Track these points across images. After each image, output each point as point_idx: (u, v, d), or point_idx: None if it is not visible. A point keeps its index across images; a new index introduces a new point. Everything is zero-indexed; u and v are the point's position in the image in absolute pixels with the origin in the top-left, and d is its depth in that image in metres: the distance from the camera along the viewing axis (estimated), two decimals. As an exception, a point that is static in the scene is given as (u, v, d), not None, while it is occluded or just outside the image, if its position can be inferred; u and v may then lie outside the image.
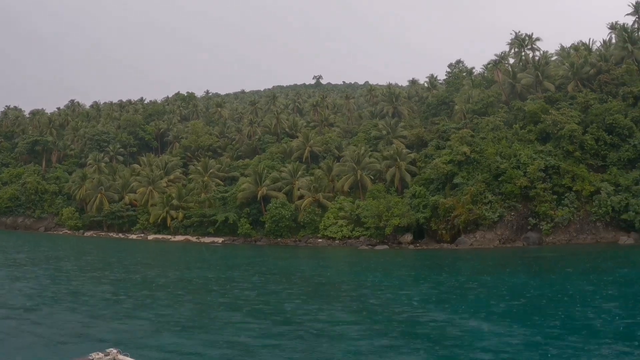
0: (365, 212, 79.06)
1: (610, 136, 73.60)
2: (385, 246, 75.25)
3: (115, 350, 5.80)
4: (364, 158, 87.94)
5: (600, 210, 67.51)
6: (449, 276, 50.95)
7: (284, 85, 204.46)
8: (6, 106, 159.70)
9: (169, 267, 59.42)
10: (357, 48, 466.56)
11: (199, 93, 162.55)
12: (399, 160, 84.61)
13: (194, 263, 63.06)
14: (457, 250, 69.58)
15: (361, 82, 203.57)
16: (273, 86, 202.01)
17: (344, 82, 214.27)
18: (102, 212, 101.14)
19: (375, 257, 67.65)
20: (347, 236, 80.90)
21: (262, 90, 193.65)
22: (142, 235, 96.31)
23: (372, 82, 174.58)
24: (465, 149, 76.11)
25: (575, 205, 69.73)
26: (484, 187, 72.65)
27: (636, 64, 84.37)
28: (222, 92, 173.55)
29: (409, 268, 60.66)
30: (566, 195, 70.22)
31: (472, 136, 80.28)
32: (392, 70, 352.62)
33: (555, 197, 70.60)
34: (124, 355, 5.78)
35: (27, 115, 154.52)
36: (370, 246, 76.27)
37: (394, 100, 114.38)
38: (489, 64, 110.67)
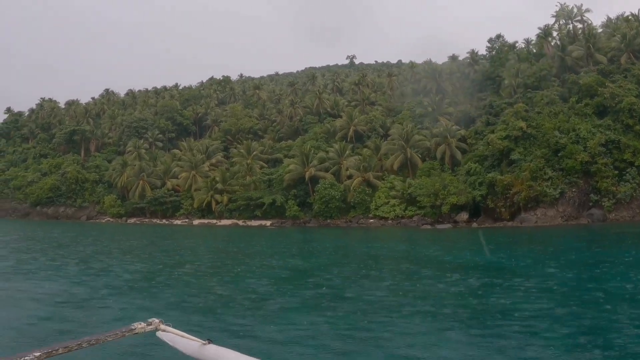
0: (419, 190, 76.45)
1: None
2: (448, 225, 72.42)
3: (157, 320, 5.10)
4: (412, 136, 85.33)
5: (666, 184, 64.70)
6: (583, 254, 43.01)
7: (317, 66, 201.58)
8: (41, 98, 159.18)
9: (272, 254, 49.69)
10: (388, 27, 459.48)
11: (233, 76, 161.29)
12: (448, 137, 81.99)
13: (280, 248, 55.23)
14: (523, 227, 66.16)
15: (394, 61, 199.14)
16: (305, 67, 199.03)
17: (376, 61, 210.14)
18: (144, 199, 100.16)
19: (452, 236, 63.31)
20: (400, 216, 78.36)
21: (295, 72, 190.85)
22: (187, 220, 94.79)
23: (404, 60, 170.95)
24: (522, 124, 73.38)
25: (637, 181, 67.36)
26: (543, 162, 70.10)
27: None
28: (256, 75, 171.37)
29: (516, 246, 52.70)
30: (627, 170, 68.06)
31: (526, 111, 77.29)
32: (423, 48, 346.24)
33: (616, 172, 67.77)
34: (167, 325, 5.05)
35: (63, 107, 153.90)
36: (430, 225, 73.52)
37: (436, 76, 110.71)
38: (531, 39, 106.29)
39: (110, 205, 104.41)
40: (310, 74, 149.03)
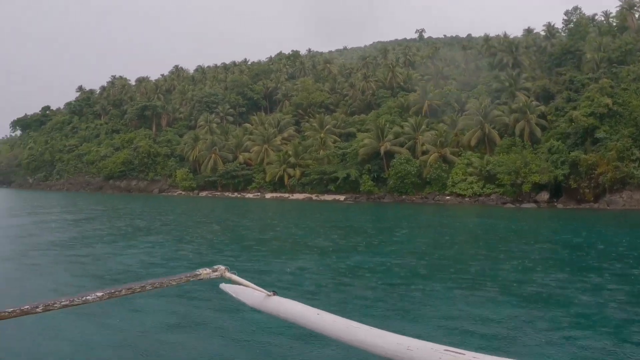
0: (498, 168, 73.00)
1: None
2: (532, 204, 68.88)
3: (223, 267, 4.61)
4: (490, 111, 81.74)
5: None
6: None
7: (385, 40, 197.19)
8: (112, 76, 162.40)
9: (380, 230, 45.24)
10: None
11: (301, 52, 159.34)
12: (528, 113, 77.77)
13: (385, 223, 50.57)
14: (609, 210, 61.45)
15: (463, 35, 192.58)
16: (373, 42, 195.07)
17: (444, 35, 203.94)
18: (216, 172, 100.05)
19: (549, 216, 57.68)
20: (477, 193, 75.48)
21: (363, 47, 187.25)
22: (259, 194, 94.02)
23: (474, 35, 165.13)
24: (607, 100, 69.00)
25: None
26: (630, 142, 65.53)
27: None
28: (324, 50, 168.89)
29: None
30: None
31: (611, 87, 72.55)
32: (496, 21, 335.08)
33: None
34: (232, 273, 4.68)
35: (133, 84, 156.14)
36: (512, 204, 70.00)
37: (513, 50, 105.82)
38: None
39: (182, 179, 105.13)
40: (382, 48, 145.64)
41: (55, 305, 4.49)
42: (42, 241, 29.96)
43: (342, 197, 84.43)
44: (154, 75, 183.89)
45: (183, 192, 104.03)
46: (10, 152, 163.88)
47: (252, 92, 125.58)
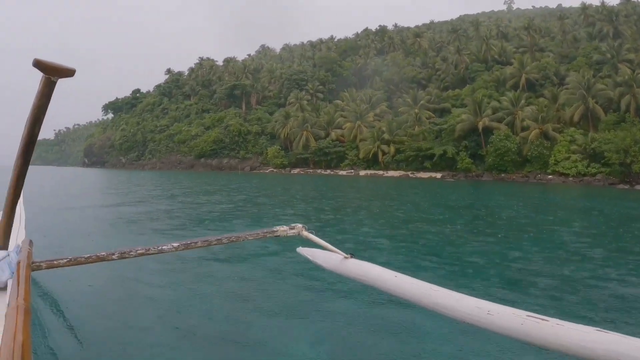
0: (605, 145, 67.67)
1: None
2: None
3: (300, 226, 6.00)
4: (593, 84, 76.82)
5: None
6: None
7: (471, 13, 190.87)
8: (200, 57, 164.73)
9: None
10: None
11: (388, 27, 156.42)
12: (634, 86, 72.63)
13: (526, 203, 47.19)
14: None
15: (553, 6, 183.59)
16: (460, 15, 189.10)
17: (533, 6, 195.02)
18: (308, 149, 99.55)
19: None
20: (581, 173, 70.76)
21: (449, 20, 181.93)
22: (352, 171, 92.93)
23: (564, 5, 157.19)
24: None
25: None
26: None
27: None
28: (410, 25, 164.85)
29: None
30: None
31: None
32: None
33: None
34: (309, 232, 5.98)
35: (221, 64, 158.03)
36: (625, 185, 64.20)
37: (613, 19, 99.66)
38: None
39: (273, 156, 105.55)
40: (474, 20, 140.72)
41: (131, 253, 5.01)
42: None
43: (438, 175, 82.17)
44: (240, 56, 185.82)
45: (275, 170, 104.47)
46: (103, 134, 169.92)
47: (340, 68, 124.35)
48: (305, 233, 6.12)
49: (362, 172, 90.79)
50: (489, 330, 3.84)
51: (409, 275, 4.91)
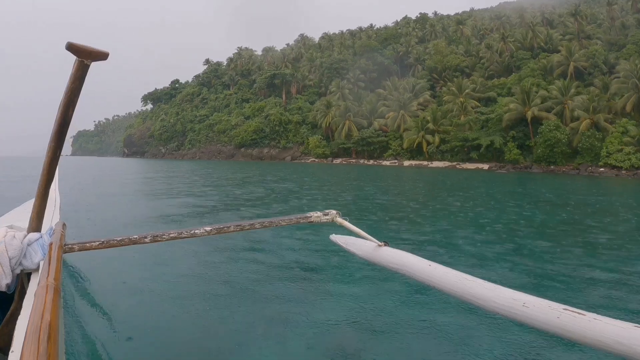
0: None
1: None
2: None
3: (334, 212, 5.63)
4: None
5: None
6: None
7: (511, 0, 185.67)
8: (238, 47, 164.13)
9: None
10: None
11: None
12: None
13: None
14: None
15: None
16: (499, 3, 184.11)
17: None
18: (351, 139, 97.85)
19: None
20: (635, 166, 67.93)
21: (489, 7, 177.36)
22: (395, 161, 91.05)
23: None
24: None
25: None
26: None
27: None
28: (450, 12, 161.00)
29: None
30: None
31: None
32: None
33: None
34: (343, 219, 5.67)
35: (260, 54, 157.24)
36: None
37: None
38: None
39: (315, 146, 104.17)
40: (518, 6, 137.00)
41: (163, 236, 4.98)
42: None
43: (485, 166, 79.80)
44: (279, 45, 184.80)
45: (316, 160, 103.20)
46: (143, 124, 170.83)
47: (382, 57, 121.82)
48: (339, 219, 5.93)
49: (406, 163, 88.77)
50: (524, 323, 3.64)
51: (443, 264, 4.78)
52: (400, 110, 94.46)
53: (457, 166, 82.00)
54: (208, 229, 5.09)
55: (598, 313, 3.18)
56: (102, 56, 3.18)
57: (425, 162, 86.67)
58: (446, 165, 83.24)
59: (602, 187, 47.69)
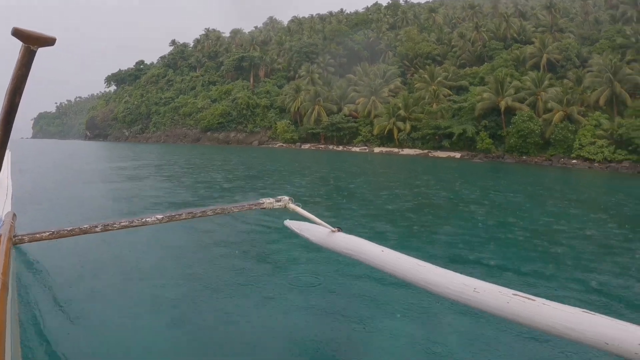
0: (633, 132, 64.93)
1: None
2: None
3: (287, 198, 6.16)
4: (620, 68, 73.31)
5: None
6: None
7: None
8: (206, 28, 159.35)
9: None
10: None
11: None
12: None
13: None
14: None
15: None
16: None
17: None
18: (320, 124, 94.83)
19: None
20: (608, 159, 67.65)
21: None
22: (365, 147, 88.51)
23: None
24: None
25: None
26: None
27: None
28: (420, 1, 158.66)
29: None
30: None
31: None
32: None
33: None
34: (296, 204, 6.19)
35: (227, 35, 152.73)
36: None
37: (637, 2, 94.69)
38: None
39: (283, 131, 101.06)
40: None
41: (114, 225, 5.11)
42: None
43: (457, 155, 78.15)
44: (247, 28, 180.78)
45: (284, 145, 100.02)
46: (106, 106, 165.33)
47: (352, 42, 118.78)
48: (291, 206, 6.09)
49: (377, 149, 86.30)
50: (476, 308, 3.67)
51: (396, 250, 4.77)
52: (371, 96, 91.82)
53: (429, 154, 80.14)
54: (160, 217, 5.19)
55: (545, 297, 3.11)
56: (49, 42, 3.03)
57: (395, 149, 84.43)
58: (417, 152, 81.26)
59: (578, 178, 46.88)
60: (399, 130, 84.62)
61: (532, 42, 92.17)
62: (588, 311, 3.27)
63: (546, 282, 10.15)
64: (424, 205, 20.85)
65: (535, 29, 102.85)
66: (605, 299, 9.14)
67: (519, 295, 3.41)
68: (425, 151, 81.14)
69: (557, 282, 10.14)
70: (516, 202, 23.23)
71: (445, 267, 4.46)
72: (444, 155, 78.29)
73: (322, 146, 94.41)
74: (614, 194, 32.74)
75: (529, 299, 3.36)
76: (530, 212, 19.84)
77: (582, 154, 70.32)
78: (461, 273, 4.23)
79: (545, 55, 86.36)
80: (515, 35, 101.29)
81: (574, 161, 70.65)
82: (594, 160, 68.98)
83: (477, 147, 77.74)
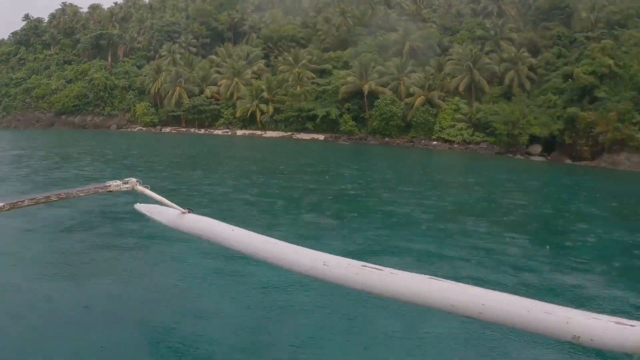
0: (491, 116, 70.56)
1: None
2: (542, 158, 67.60)
3: (134, 180, 5.89)
4: (480, 58, 78.45)
5: None
6: None
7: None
8: (62, 3, 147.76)
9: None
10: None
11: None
12: (519, 63, 76.01)
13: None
14: (609, 169, 60.23)
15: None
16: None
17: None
18: (181, 107, 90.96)
19: (569, 172, 56.11)
20: (467, 141, 72.66)
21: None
22: (228, 130, 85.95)
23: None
24: (610, 61, 67.19)
25: None
26: (631, 105, 63.42)
27: None
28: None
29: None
30: None
31: (611, 49, 70.46)
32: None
33: None
34: (144, 186, 5.92)
35: (86, 11, 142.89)
36: (513, 155, 68.52)
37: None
38: None
39: (142, 114, 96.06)
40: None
41: None
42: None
43: (321, 137, 78.64)
44: (106, 3, 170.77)
45: (144, 128, 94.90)
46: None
47: (216, 22, 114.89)
48: (140, 188, 5.85)
49: (239, 132, 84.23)
50: (327, 281, 3.68)
51: (246, 229, 4.75)
52: (234, 78, 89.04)
53: (293, 136, 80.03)
54: (1, 204, 4.72)
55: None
56: None
57: (258, 132, 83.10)
58: (280, 135, 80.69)
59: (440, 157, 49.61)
60: (262, 112, 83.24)
61: (396, 30, 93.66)
62: (434, 277, 3.30)
63: (365, 243, 11.96)
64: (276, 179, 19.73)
65: (399, 18, 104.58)
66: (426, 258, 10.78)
67: (367, 267, 3.42)
68: (289, 133, 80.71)
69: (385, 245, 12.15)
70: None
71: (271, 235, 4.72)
72: (308, 138, 78.52)
73: (184, 129, 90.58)
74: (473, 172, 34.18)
75: (377, 269, 3.35)
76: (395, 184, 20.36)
77: (442, 136, 74.40)
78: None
79: (408, 42, 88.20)
80: (379, 22, 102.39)
81: (435, 143, 74.56)
82: (454, 142, 73.19)
83: (341, 129, 78.71)
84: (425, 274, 3.59)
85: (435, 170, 41.42)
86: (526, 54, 78.65)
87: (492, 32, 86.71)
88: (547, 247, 16.91)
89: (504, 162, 61.12)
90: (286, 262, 4.20)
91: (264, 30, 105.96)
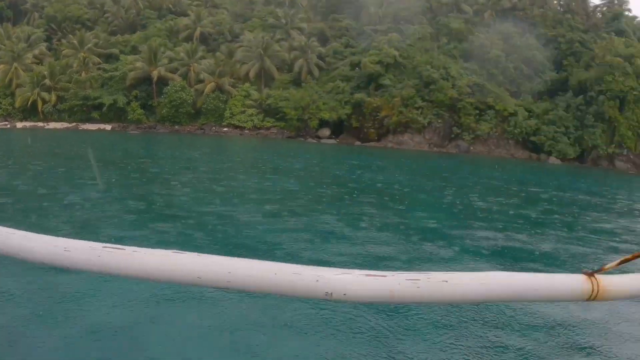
0: (282, 102, 74.70)
1: (527, 68, 79.41)
2: (332, 140, 74.87)
3: None
4: (270, 45, 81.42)
5: (516, 130, 73.99)
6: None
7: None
8: None
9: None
10: None
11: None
12: (309, 52, 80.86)
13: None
14: (394, 149, 70.52)
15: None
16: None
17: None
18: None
19: (359, 152, 63.24)
20: (257, 126, 75.73)
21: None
22: (7, 123, 77.80)
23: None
24: (395, 52, 75.65)
25: (494, 122, 74.72)
26: (414, 92, 73.43)
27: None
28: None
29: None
30: (487, 112, 74.77)
31: (397, 41, 79.35)
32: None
33: (477, 112, 74.79)
34: None
35: None
36: (304, 139, 74.23)
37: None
38: None
39: None
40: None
41: None
42: None
43: (108, 127, 75.91)
44: None
45: None
46: None
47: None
48: None
49: (19, 124, 76.22)
50: (70, 268, 2.54)
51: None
52: (13, 62, 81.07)
53: (79, 127, 75.91)
54: None
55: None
56: None
57: (40, 124, 76.76)
58: (65, 126, 75.94)
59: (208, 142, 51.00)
60: (44, 101, 77.28)
61: (188, 15, 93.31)
62: (178, 251, 2.50)
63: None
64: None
65: (191, 2, 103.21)
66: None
67: (108, 247, 2.51)
68: (74, 124, 76.48)
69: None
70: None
71: None
72: (95, 128, 75.30)
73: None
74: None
75: (118, 248, 2.48)
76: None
77: (233, 122, 76.21)
78: None
79: (199, 28, 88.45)
80: (170, 6, 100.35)
81: (226, 129, 76.04)
82: (245, 127, 75.58)
83: (129, 118, 77.04)
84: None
85: (223, 156, 45.07)
86: (316, 43, 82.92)
87: (284, 21, 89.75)
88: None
89: (295, 145, 65.17)
90: (26, 252, 3.80)
91: (47, 9, 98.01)
